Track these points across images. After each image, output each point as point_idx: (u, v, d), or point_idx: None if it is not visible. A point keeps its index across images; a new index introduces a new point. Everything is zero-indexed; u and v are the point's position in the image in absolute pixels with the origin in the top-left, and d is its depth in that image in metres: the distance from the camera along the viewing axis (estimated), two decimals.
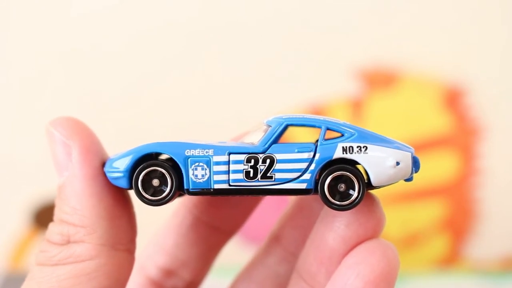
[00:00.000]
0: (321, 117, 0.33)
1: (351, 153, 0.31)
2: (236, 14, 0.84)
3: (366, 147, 0.31)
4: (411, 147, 0.32)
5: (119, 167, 0.34)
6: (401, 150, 0.31)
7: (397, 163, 0.31)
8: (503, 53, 0.85)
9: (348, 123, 0.33)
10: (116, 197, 0.35)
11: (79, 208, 0.34)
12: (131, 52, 0.83)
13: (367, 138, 0.32)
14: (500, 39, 0.85)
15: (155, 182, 0.33)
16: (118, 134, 0.74)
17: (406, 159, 0.31)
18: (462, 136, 0.80)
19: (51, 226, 0.36)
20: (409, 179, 0.32)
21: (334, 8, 0.84)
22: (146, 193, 0.33)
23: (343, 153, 0.31)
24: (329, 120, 0.33)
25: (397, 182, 0.32)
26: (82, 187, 0.34)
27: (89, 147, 0.35)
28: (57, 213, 0.35)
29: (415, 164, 0.32)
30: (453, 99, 0.80)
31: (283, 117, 0.33)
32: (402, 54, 0.81)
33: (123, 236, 0.35)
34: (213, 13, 0.83)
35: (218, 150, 0.32)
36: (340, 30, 0.83)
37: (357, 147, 0.31)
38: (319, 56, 0.79)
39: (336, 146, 0.32)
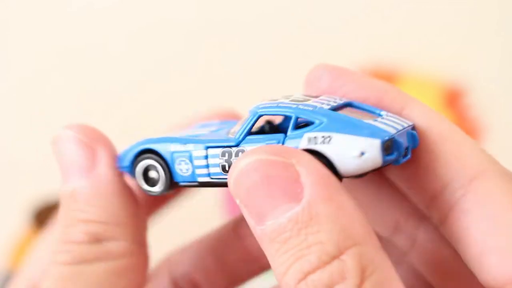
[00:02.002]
0: (294, 104, 0.31)
1: (315, 144, 0.29)
2: (235, 13, 0.84)
3: (330, 137, 0.29)
4: (388, 131, 0.29)
5: (125, 163, 0.35)
6: (369, 137, 0.28)
7: (362, 153, 0.28)
8: (504, 52, 0.85)
9: (324, 108, 0.30)
10: (137, 195, 0.36)
11: (109, 207, 0.34)
12: (131, 51, 0.83)
13: (337, 125, 0.29)
14: (500, 39, 0.84)
15: (153, 174, 0.34)
16: (119, 133, 0.74)
17: (371, 148, 0.28)
18: None
19: (65, 227, 0.35)
20: (396, 163, 0.29)
21: (334, 8, 0.84)
22: (147, 184, 0.34)
23: (308, 144, 0.29)
24: (302, 107, 0.30)
25: (376, 170, 0.29)
26: (112, 187, 0.34)
27: (113, 150, 0.36)
28: (75, 214, 0.34)
29: (396, 147, 0.29)
30: (453, 99, 0.80)
31: (259, 106, 0.31)
32: (402, 53, 0.81)
33: (146, 233, 0.36)
34: (213, 12, 0.83)
35: (197, 145, 0.32)
36: (340, 29, 0.83)
37: (322, 137, 0.29)
38: (318, 55, 0.79)
39: (302, 136, 0.29)
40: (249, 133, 0.31)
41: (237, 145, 0.31)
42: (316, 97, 0.32)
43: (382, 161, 0.28)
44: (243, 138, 0.31)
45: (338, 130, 0.29)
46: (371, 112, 0.31)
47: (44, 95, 0.84)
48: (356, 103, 0.32)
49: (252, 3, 0.85)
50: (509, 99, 0.81)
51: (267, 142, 0.30)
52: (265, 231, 0.28)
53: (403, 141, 0.30)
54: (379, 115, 0.31)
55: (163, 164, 0.33)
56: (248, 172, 0.28)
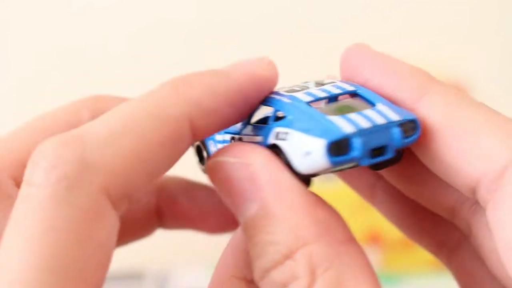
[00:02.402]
0: (279, 96, 0.30)
1: (277, 139, 0.28)
2: (235, 13, 0.84)
3: (288, 133, 0.28)
4: (344, 130, 0.27)
5: None
6: (316, 136, 0.27)
7: (307, 153, 0.27)
8: (504, 52, 0.85)
9: (302, 101, 0.29)
10: None
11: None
12: (131, 51, 0.83)
13: (298, 121, 0.28)
14: (500, 39, 0.85)
15: (204, 153, 0.35)
16: None
17: (315, 148, 0.27)
18: None
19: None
20: (362, 162, 0.28)
21: (334, 8, 0.84)
22: (201, 163, 0.35)
23: (274, 138, 0.28)
24: (284, 100, 0.30)
25: (334, 170, 0.28)
26: None
27: None
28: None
29: (354, 147, 0.27)
30: None
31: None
32: (402, 53, 0.81)
33: None
34: (213, 12, 0.83)
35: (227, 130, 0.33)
36: (340, 29, 0.83)
37: (284, 132, 0.28)
38: (319, 55, 0.79)
39: (272, 130, 0.29)
40: (249, 122, 0.31)
41: (238, 133, 0.31)
42: (322, 85, 0.31)
43: (329, 162, 0.27)
44: (243, 127, 0.31)
45: (295, 127, 0.28)
46: (369, 102, 0.30)
47: (44, 95, 0.84)
48: (361, 91, 0.31)
49: (252, 3, 0.85)
50: (509, 99, 0.81)
51: (254, 132, 0.30)
52: (240, 225, 0.28)
53: (374, 139, 0.28)
54: (373, 105, 0.29)
55: (203, 145, 0.34)
56: (212, 172, 0.29)
